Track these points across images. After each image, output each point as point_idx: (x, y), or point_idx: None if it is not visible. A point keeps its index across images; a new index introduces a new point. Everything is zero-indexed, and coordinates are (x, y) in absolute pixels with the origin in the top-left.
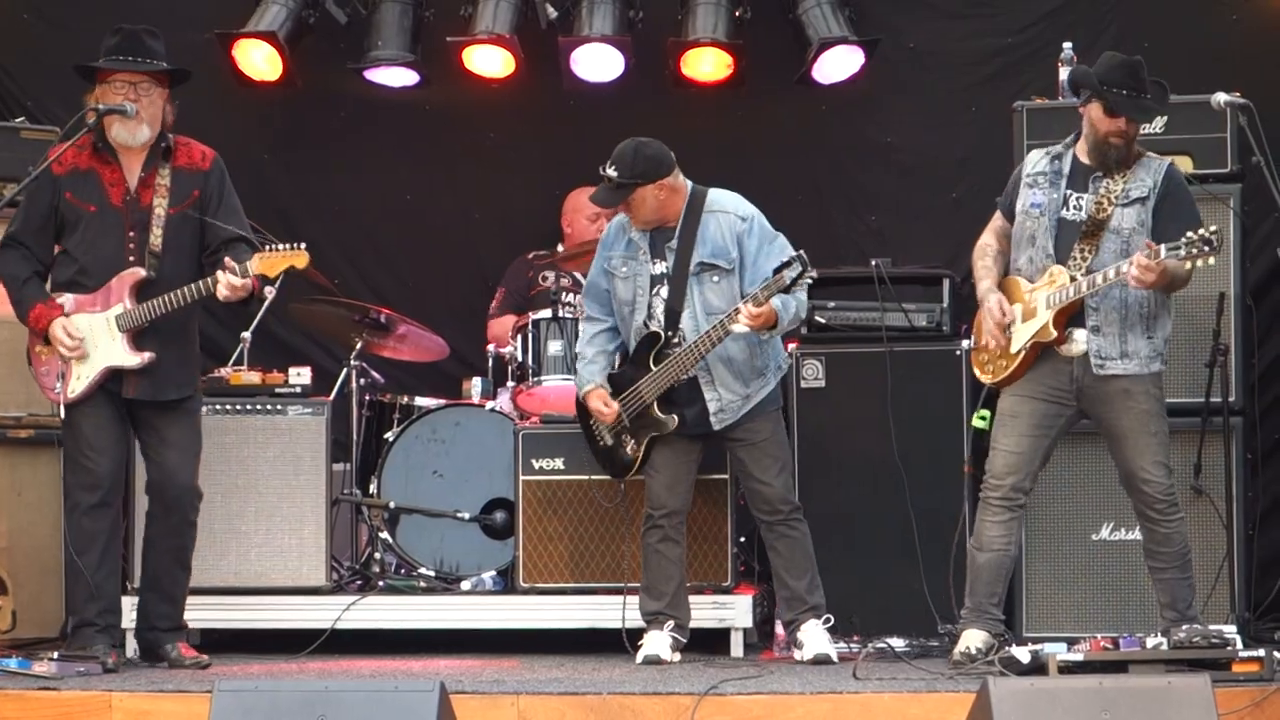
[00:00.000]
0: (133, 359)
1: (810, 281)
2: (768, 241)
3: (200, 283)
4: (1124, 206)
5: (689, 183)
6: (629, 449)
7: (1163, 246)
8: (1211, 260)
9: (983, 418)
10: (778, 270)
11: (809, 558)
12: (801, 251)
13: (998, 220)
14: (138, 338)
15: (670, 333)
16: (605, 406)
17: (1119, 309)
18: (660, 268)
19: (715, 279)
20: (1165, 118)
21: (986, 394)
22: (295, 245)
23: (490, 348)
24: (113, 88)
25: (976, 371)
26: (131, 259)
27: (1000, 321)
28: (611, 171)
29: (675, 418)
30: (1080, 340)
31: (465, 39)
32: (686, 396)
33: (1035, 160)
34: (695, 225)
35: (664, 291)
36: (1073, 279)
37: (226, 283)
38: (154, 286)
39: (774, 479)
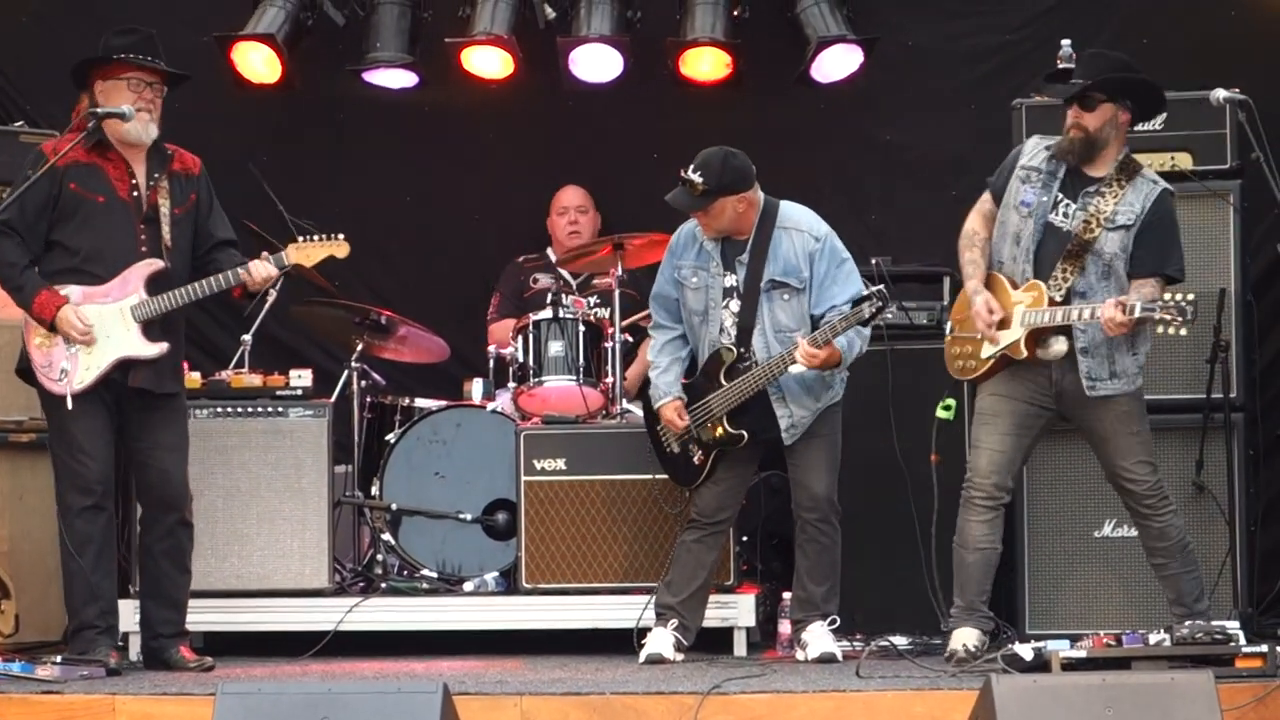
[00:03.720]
0: (150, 349)
1: (889, 318)
2: (835, 265)
3: (228, 273)
4: (1110, 230)
5: (763, 195)
6: (696, 459)
7: (1138, 304)
8: (1183, 331)
9: (947, 407)
10: (856, 304)
11: (834, 567)
12: (881, 286)
13: (986, 203)
14: (148, 329)
15: (743, 349)
16: (679, 419)
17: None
18: (731, 280)
19: (785, 297)
20: (1165, 114)
21: (954, 383)
22: (334, 235)
23: (491, 349)
24: (128, 85)
25: (947, 361)
26: (144, 250)
27: (989, 321)
28: (696, 177)
29: (744, 434)
30: (1056, 346)
31: (463, 40)
32: (755, 407)
33: (1033, 150)
34: (767, 240)
35: (734, 305)
36: (1051, 301)
37: (262, 272)
38: (166, 280)
39: (824, 475)
